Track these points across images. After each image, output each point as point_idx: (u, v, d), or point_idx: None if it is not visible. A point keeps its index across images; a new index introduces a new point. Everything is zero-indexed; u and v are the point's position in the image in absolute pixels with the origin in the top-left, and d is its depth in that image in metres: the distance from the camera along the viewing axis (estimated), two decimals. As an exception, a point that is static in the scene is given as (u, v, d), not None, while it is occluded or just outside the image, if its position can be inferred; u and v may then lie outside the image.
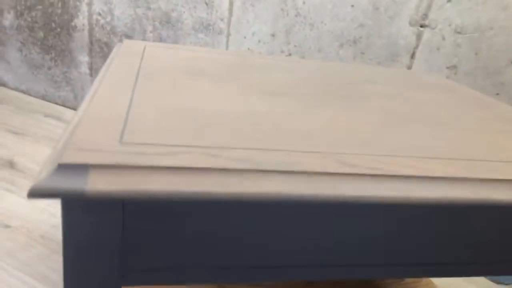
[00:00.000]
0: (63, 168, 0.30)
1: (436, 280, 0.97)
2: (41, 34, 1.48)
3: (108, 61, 0.61)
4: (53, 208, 1.02)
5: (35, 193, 0.29)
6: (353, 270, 0.41)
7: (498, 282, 0.98)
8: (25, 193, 1.06)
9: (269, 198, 0.33)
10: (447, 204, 0.37)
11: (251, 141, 0.39)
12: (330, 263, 0.40)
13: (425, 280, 0.80)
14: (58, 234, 0.94)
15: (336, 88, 0.63)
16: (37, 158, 1.23)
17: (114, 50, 0.66)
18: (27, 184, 1.10)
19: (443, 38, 1.04)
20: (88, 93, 0.47)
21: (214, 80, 0.57)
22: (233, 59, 0.72)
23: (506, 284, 0.99)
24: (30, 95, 1.61)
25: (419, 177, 0.37)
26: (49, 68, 1.52)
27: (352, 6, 1.10)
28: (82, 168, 0.30)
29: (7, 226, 0.94)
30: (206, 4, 1.24)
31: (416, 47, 1.07)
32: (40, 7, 1.44)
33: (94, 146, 0.33)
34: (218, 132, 0.40)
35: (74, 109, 1.55)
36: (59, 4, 1.40)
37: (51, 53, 1.49)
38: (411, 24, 1.06)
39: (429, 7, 1.03)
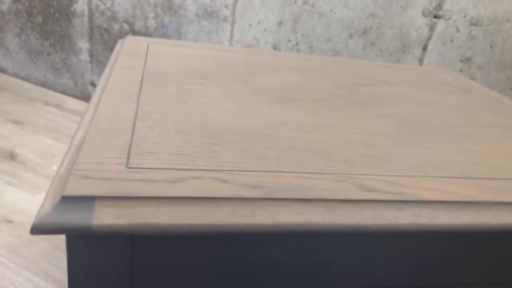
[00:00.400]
0: (68, 200, 0.28)
1: None
2: (39, 19, 1.44)
3: (110, 61, 0.58)
4: (55, 202, 1.01)
5: (39, 230, 0.27)
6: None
7: None
8: (26, 186, 1.05)
9: (283, 229, 0.31)
10: (471, 231, 0.35)
11: (263, 162, 0.37)
12: None
13: None
14: (61, 229, 0.93)
15: (349, 90, 0.61)
16: (37, 149, 1.21)
17: (116, 48, 0.63)
18: (28, 177, 1.08)
19: (457, 30, 1.00)
20: (90, 103, 0.44)
21: (222, 85, 0.54)
22: (240, 58, 0.69)
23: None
24: (29, 82, 1.58)
25: (441, 202, 0.35)
26: (49, 55, 1.49)
27: (363, -5, 1.06)
28: (88, 201, 0.28)
29: (9, 222, 0.93)
30: (210, -10, 1.20)
31: (429, 38, 1.03)
32: (38, -9, 1.40)
33: (100, 173, 0.31)
34: (228, 151, 0.37)
35: (75, 96, 1.52)
36: (58, -11, 1.36)
37: (50, 39, 1.45)
38: (424, 14, 1.02)
39: (443, -3, 0.99)
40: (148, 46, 0.63)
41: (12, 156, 1.15)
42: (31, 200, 1.00)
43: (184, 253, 0.32)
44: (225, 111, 0.46)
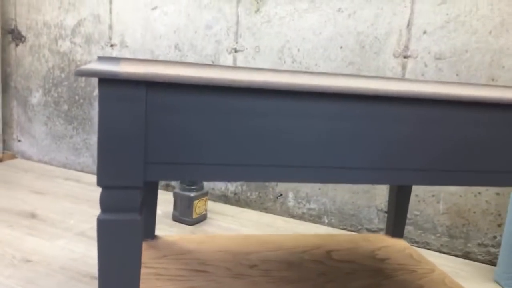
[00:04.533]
0: (102, 59, 0.38)
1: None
2: (65, 107, 1.64)
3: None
4: (72, 246, 1.05)
5: (82, 73, 0.37)
6: (345, 175, 0.45)
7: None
8: (45, 236, 1.10)
9: (260, 85, 0.40)
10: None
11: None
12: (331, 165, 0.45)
13: (438, 271, 0.79)
14: (77, 265, 0.96)
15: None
16: (57, 210, 1.28)
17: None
18: (48, 229, 1.14)
19: (426, 65, 1.16)
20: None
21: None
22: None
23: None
24: (52, 164, 1.72)
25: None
26: (71, 137, 1.65)
27: (341, 47, 1.25)
28: (116, 60, 0.38)
29: (28, 261, 0.97)
30: (212, 62, 1.41)
31: (403, 75, 1.18)
32: (66, 83, 1.62)
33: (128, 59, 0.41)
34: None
35: (93, 173, 1.64)
36: (83, 78, 1.59)
37: (73, 123, 1.64)
38: (395, 56, 1.19)
39: (408, 39, 1.17)
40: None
41: (33, 216, 1.23)
42: (50, 245, 1.05)
43: (193, 116, 0.40)
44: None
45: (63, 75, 1.63)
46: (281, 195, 1.41)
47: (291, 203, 1.40)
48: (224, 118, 0.41)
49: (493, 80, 1.08)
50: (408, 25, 1.17)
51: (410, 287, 0.72)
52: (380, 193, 1.25)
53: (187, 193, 1.26)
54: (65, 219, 1.22)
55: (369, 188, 1.27)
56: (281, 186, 1.41)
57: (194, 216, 1.27)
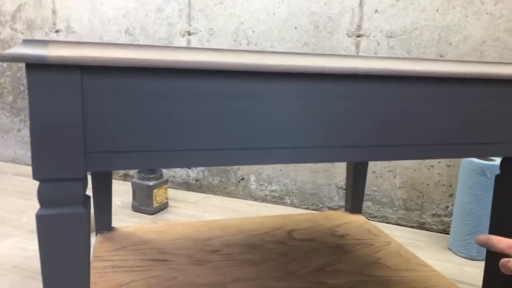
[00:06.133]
0: (27, 42, 0.35)
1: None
2: (10, 98, 1.54)
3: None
4: (25, 244, 1.00)
5: (4, 58, 0.33)
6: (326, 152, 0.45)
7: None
8: (-5, 235, 1.04)
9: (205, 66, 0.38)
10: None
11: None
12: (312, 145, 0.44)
13: (394, 244, 0.82)
14: (31, 263, 0.92)
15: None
16: (7, 208, 1.22)
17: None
18: (-3, 228, 1.08)
19: (378, 44, 1.17)
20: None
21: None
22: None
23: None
24: (0, 160, 1.62)
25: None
26: (19, 130, 1.56)
27: (296, 28, 1.24)
28: (43, 43, 0.35)
29: (-23, 262, 0.91)
30: (165, 46, 1.36)
31: (357, 54, 1.19)
32: (9, 72, 1.53)
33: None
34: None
35: (46, 167, 1.57)
36: (28, 67, 1.50)
37: (20, 115, 1.55)
38: (348, 35, 1.19)
39: (361, 19, 1.18)
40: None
41: (-20, 215, 1.16)
42: (1, 245, 0.99)
43: (134, 101, 0.38)
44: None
45: (5, 65, 1.53)
46: (243, 178, 1.41)
47: (253, 186, 1.40)
48: (168, 102, 0.39)
49: (441, 56, 1.11)
50: (360, 4, 1.18)
51: (368, 260, 0.73)
52: (339, 171, 1.28)
53: (145, 182, 1.23)
54: (16, 216, 1.16)
55: (328, 167, 1.29)
56: (243, 170, 1.40)
57: (155, 205, 1.24)
